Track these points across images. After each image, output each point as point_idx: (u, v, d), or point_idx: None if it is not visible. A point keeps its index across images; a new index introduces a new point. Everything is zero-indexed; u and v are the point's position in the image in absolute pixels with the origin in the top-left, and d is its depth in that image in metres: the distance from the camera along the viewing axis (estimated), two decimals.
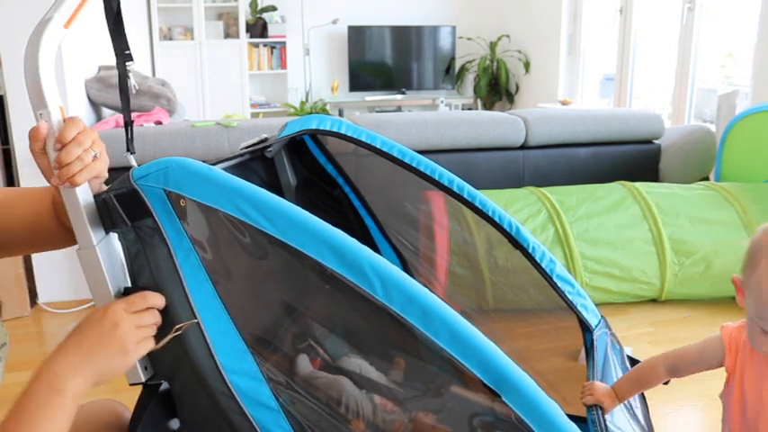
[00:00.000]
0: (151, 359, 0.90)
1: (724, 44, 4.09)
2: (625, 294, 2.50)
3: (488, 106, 6.20)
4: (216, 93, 5.77)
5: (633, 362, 1.39)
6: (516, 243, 1.37)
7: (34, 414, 0.74)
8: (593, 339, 1.31)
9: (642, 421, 1.22)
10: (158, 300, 0.86)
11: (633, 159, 3.12)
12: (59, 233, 0.96)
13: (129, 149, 0.98)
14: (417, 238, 1.73)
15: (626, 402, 1.18)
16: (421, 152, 1.42)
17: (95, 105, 3.09)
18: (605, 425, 1.07)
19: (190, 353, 0.87)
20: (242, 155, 1.31)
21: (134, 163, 0.96)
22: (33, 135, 0.82)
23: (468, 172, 2.83)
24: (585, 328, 1.34)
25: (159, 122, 2.97)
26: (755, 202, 2.57)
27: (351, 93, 6.27)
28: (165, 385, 0.90)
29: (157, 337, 0.86)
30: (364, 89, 6.27)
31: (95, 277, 0.87)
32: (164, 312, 0.87)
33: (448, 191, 1.40)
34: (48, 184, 0.88)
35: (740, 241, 2.48)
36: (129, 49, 0.95)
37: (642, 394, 1.31)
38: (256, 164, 1.43)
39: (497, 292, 1.94)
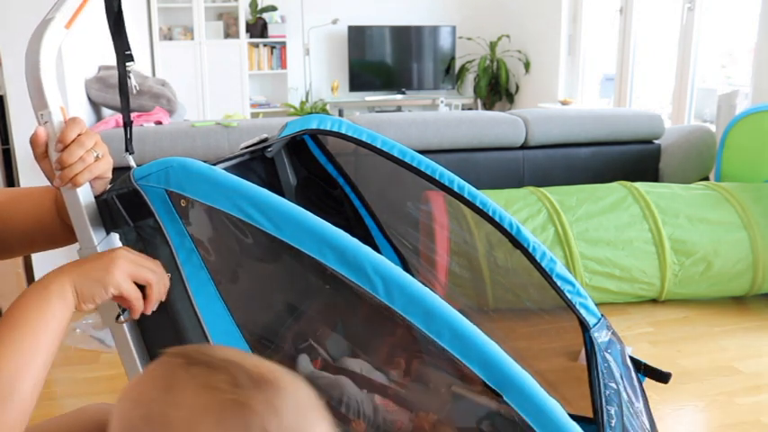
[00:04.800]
0: (152, 359, 0.90)
1: (724, 44, 4.09)
2: (625, 294, 2.50)
3: (488, 106, 6.20)
4: (216, 93, 5.77)
5: (634, 361, 1.39)
6: (516, 243, 1.37)
7: (23, 308, 0.76)
8: (592, 339, 1.31)
9: (646, 422, 1.22)
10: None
11: (633, 159, 3.12)
12: (61, 232, 0.96)
13: (128, 150, 0.98)
14: (418, 238, 1.73)
15: (628, 402, 1.18)
16: (421, 152, 1.42)
17: (95, 105, 3.09)
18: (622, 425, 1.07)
19: None
20: (242, 155, 1.31)
21: (133, 163, 0.96)
22: (34, 141, 0.82)
23: (468, 172, 2.83)
24: (585, 328, 1.34)
25: (159, 122, 2.97)
26: (755, 202, 2.57)
27: (351, 93, 6.27)
28: None
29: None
30: (364, 89, 6.27)
31: None
32: (165, 312, 0.87)
33: (448, 191, 1.39)
34: (49, 184, 0.88)
35: (740, 241, 2.48)
36: (129, 50, 0.95)
37: (644, 394, 1.31)
38: (256, 164, 1.42)
39: (497, 291, 1.94)
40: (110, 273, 0.79)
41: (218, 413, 0.50)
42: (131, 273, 0.81)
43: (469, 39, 6.26)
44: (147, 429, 0.51)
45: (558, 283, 1.35)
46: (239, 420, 0.49)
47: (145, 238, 0.88)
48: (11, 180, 3.10)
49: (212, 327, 0.87)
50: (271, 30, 5.99)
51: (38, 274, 2.68)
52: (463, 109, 6.14)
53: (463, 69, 6.40)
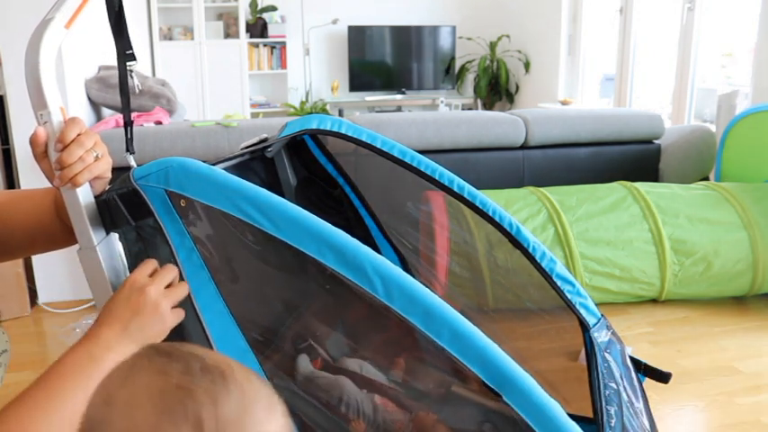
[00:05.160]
0: None
1: (724, 44, 4.09)
2: (625, 294, 2.50)
3: (488, 106, 6.20)
4: (216, 93, 5.76)
5: (634, 361, 1.39)
6: (516, 243, 1.37)
7: (71, 382, 0.73)
8: (592, 339, 1.31)
9: (646, 422, 1.22)
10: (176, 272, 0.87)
11: (633, 159, 3.12)
12: (61, 233, 0.96)
13: (129, 150, 0.98)
14: (417, 238, 1.73)
15: (629, 403, 1.18)
16: (421, 152, 1.42)
17: (95, 105, 3.09)
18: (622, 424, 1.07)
19: None
20: (242, 155, 1.31)
21: (133, 163, 0.96)
22: (34, 141, 0.82)
23: (468, 172, 2.83)
24: (585, 328, 1.34)
25: (159, 122, 2.97)
26: (755, 202, 2.57)
27: (351, 93, 6.27)
28: None
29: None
30: (364, 89, 6.27)
31: (96, 278, 0.87)
32: None
33: (448, 191, 1.39)
34: (48, 185, 0.88)
35: (740, 241, 2.48)
36: (131, 49, 0.95)
37: (644, 394, 1.31)
38: (256, 164, 1.43)
39: (497, 291, 1.94)
40: (165, 322, 0.81)
41: (158, 396, 0.50)
42: (172, 305, 0.83)
43: (469, 39, 6.26)
44: (103, 410, 0.52)
45: (558, 283, 1.35)
46: (177, 405, 0.50)
47: (144, 237, 0.88)
48: (11, 180, 3.10)
49: (212, 326, 0.87)
50: (271, 30, 5.99)
51: (38, 275, 2.69)
52: (463, 109, 6.14)
53: (463, 69, 6.40)
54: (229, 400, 0.51)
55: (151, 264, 0.85)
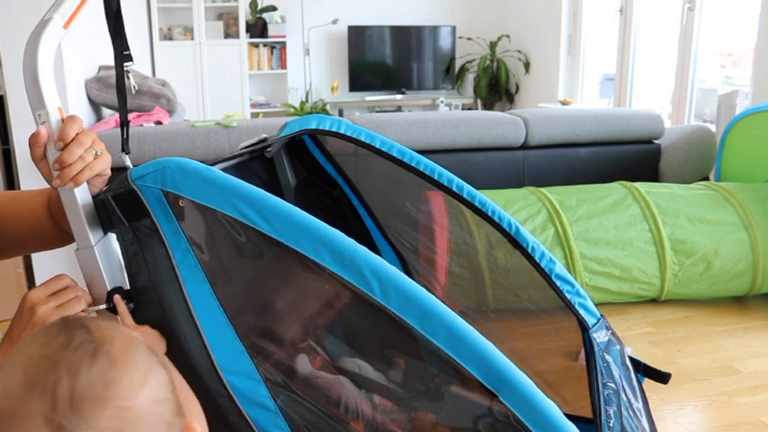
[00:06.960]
0: None
1: (724, 44, 4.09)
2: (625, 294, 2.50)
3: (488, 106, 6.20)
4: (216, 93, 5.76)
5: (633, 362, 1.39)
6: (516, 243, 1.37)
7: None
8: (591, 339, 1.31)
9: (645, 423, 1.22)
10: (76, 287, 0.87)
11: (633, 159, 3.12)
12: (53, 234, 0.97)
13: (125, 150, 0.98)
14: (417, 239, 1.73)
15: (628, 404, 1.17)
16: (421, 152, 1.42)
17: (95, 105, 3.09)
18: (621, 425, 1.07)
19: (187, 353, 0.87)
20: (241, 155, 1.31)
21: (129, 163, 0.96)
22: (34, 141, 0.82)
23: (468, 172, 2.83)
24: (585, 328, 1.34)
25: (159, 122, 2.97)
26: (755, 202, 2.57)
27: (351, 93, 6.27)
28: None
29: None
30: (364, 89, 6.26)
31: (93, 277, 0.87)
32: (161, 311, 0.87)
33: (447, 191, 1.39)
34: (43, 186, 0.88)
35: (740, 241, 2.48)
36: (128, 50, 0.95)
37: (644, 394, 1.31)
38: (256, 164, 1.42)
39: (497, 292, 1.94)
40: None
41: (31, 366, 0.52)
42: (60, 311, 0.82)
43: (469, 39, 6.25)
44: None
45: (558, 283, 1.35)
46: (42, 376, 0.51)
47: (141, 238, 0.88)
48: (11, 180, 3.10)
49: (207, 327, 0.87)
50: (271, 30, 5.99)
51: (38, 274, 2.69)
52: (463, 109, 6.14)
53: (463, 69, 6.39)
54: (89, 374, 0.52)
55: (56, 280, 0.85)
